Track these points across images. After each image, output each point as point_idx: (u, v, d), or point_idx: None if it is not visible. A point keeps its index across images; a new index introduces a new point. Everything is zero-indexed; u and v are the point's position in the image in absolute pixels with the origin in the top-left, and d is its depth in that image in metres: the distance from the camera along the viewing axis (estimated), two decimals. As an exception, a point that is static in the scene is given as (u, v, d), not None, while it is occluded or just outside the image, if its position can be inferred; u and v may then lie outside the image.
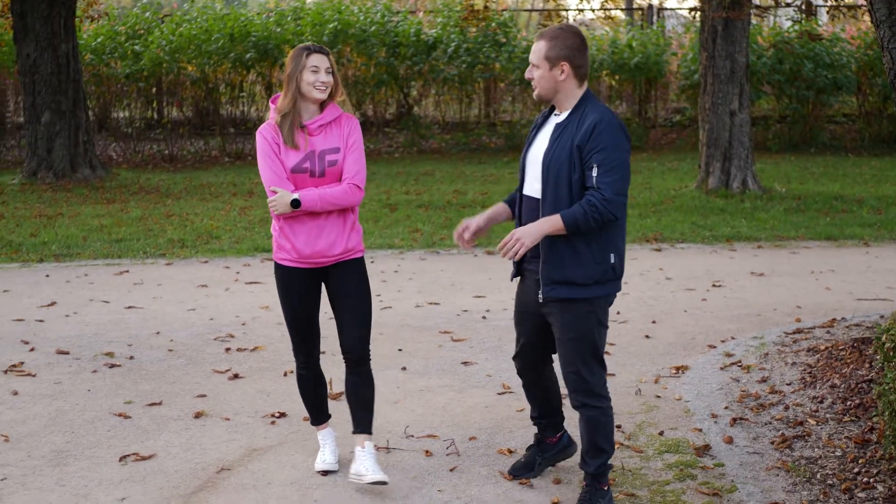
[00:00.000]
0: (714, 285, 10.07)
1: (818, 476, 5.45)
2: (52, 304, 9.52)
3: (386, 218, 14.05)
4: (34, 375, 7.43)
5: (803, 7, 19.07)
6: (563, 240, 4.93)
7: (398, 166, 20.03)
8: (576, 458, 5.66)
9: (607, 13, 24.81)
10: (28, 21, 17.60)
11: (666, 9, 28.62)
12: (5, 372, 7.50)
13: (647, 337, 8.30)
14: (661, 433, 6.19)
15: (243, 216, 14.29)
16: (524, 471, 5.57)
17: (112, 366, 7.65)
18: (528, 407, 6.24)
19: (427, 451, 5.97)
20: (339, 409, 6.38)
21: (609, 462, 5.19)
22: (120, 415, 6.61)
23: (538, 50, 5.05)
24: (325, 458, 5.72)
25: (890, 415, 5.27)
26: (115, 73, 21.95)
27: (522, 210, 5.21)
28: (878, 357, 6.20)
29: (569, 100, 5.08)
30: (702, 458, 5.79)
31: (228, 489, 5.48)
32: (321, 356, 5.81)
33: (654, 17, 27.42)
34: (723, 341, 8.10)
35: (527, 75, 5.15)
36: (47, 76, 17.79)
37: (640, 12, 28.78)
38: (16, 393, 7.04)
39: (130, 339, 8.35)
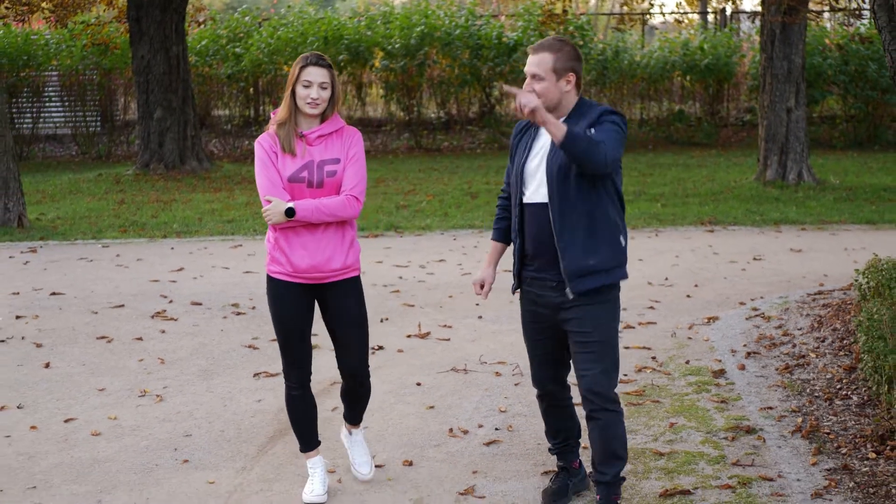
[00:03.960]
0: (755, 259, 11.40)
1: (807, 391, 6.83)
2: (181, 269, 11.13)
3: (467, 204, 15.50)
4: (176, 320, 9.04)
5: (858, 11, 20.04)
6: (579, 227, 4.86)
7: (480, 160, 21.47)
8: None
9: (682, 16, 26.09)
10: (143, 25, 19.31)
11: (741, 12, 29.72)
12: (152, 317, 9.12)
13: (688, 296, 9.69)
14: (686, 362, 7.61)
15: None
16: (558, 497, 5.27)
17: (238, 313, 9.23)
18: None
19: (497, 373, 7.44)
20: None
21: (622, 473, 5.09)
22: (249, 346, 8.18)
23: (543, 61, 4.88)
24: (314, 488, 5.52)
25: (864, 341, 6.62)
26: (217, 74, 23.62)
27: (526, 218, 5.05)
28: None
29: (568, 109, 4.98)
30: (717, 379, 7.19)
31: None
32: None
33: (729, 20, 28.53)
34: (752, 299, 9.47)
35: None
36: (160, 76, 19.45)
37: (714, 15, 29.93)
38: (163, 331, 8.65)
39: (251, 295, 9.91)
